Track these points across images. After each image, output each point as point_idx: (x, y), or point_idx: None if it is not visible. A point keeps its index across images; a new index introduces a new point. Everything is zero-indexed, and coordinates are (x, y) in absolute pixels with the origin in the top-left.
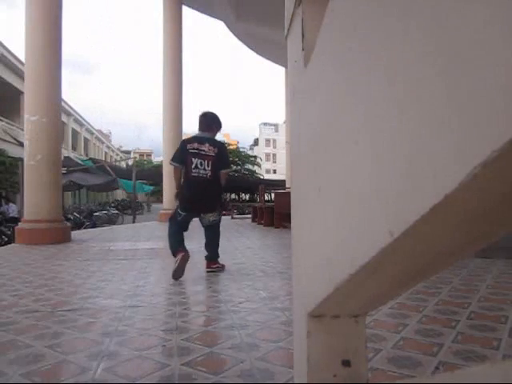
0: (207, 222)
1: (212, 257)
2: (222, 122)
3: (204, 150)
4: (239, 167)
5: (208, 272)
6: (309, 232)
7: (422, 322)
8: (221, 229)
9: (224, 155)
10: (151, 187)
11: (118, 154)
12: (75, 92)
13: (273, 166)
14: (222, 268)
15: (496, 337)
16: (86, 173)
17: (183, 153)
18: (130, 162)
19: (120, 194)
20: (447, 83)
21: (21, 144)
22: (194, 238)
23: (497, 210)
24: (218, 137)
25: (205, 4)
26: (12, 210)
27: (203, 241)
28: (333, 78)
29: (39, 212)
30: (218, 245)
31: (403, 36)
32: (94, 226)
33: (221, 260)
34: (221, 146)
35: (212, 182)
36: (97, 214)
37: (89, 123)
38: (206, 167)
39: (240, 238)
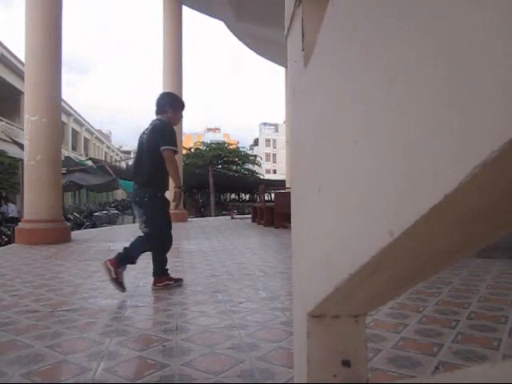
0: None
1: (118, 254)
2: (223, 121)
3: (143, 139)
4: (239, 167)
5: (154, 289)
6: (309, 232)
7: (422, 322)
8: (221, 228)
9: (158, 133)
10: None
11: (117, 154)
12: (75, 92)
13: (273, 166)
14: (173, 283)
15: (496, 337)
16: (85, 173)
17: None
18: (130, 162)
19: (120, 194)
20: (447, 83)
21: (20, 146)
22: (193, 238)
23: (496, 210)
24: (218, 137)
25: (205, 4)
26: (11, 210)
27: (202, 240)
28: (333, 78)
29: (39, 212)
30: (130, 252)
31: (403, 36)
32: (94, 226)
33: (220, 260)
34: (155, 124)
35: (136, 177)
36: (97, 214)
37: (89, 123)
38: (136, 162)
39: (240, 238)
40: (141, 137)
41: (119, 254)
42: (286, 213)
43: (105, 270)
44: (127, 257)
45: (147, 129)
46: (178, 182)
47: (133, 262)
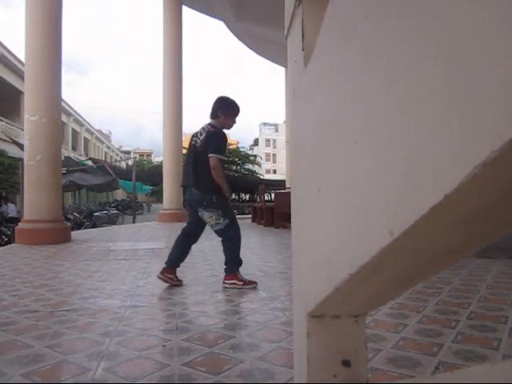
0: (210, 226)
1: (226, 268)
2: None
3: (197, 143)
4: (239, 167)
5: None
6: (309, 232)
7: (422, 322)
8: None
9: (210, 141)
10: (150, 187)
11: (117, 154)
12: (75, 92)
13: (273, 166)
14: (241, 284)
15: (496, 337)
16: (85, 173)
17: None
18: (130, 162)
19: (120, 194)
20: (447, 83)
21: (20, 146)
22: None
23: (496, 210)
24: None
25: (205, 4)
26: (11, 210)
27: (202, 240)
28: (333, 78)
29: (39, 212)
30: (230, 254)
31: (403, 36)
32: (94, 226)
33: (220, 260)
34: (209, 131)
35: (196, 183)
36: (97, 213)
37: (89, 123)
38: (190, 166)
39: None
40: (194, 141)
41: (226, 268)
42: (286, 213)
43: (235, 286)
44: (232, 262)
45: (200, 133)
46: (226, 187)
47: (240, 262)
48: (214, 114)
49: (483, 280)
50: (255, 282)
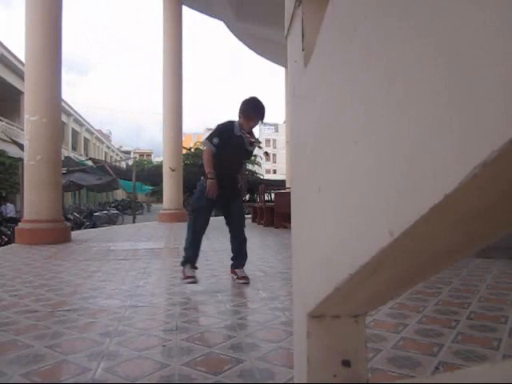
0: None
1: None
2: (223, 121)
3: None
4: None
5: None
6: (309, 232)
7: (422, 322)
8: (221, 229)
9: None
10: (150, 187)
11: (117, 154)
12: (75, 92)
13: (273, 166)
14: (182, 278)
15: (496, 337)
16: (86, 173)
17: None
18: (130, 162)
19: (120, 194)
20: (447, 83)
21: (20, 146)
22: None
23: (496, 210)
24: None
25: (205, 4)
26: (10, 210)
27: (202, 240)
28: (333, 78)
29: (39, 212)
30: (187, 247)
31: (403, 36)
32: (94, 226)
33: (220, 260)
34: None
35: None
36: (97, 213)
37: (89, 123)
38: None
39: None
40: None
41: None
42: (286, 213)
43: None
44: (185, 251)
45: None
46: (209, 173)
47: (189, 259)
48: (238, 113)
49: (483, 280)
50: (193, 277)
